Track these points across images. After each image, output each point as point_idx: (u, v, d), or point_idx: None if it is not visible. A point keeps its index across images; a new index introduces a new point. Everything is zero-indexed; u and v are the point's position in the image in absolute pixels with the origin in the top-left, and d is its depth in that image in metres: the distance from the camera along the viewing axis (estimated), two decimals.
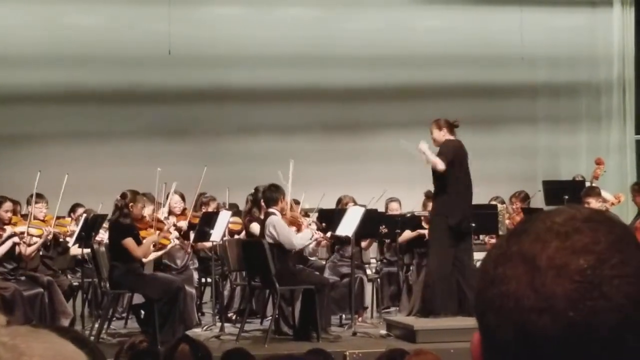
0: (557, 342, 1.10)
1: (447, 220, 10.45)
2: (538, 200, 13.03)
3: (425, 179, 11.17)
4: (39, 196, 11.56)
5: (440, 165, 10.34)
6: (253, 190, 11.46)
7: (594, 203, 11.04)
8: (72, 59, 15.15)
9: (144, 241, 10.64)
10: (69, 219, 12.39)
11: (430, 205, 11.95)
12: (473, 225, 10.59)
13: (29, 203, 11.66)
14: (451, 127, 10.62)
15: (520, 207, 12.81)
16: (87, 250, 11.33)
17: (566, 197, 11.93)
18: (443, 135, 10.59)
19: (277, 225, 10.46)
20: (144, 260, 10.78)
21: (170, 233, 11.41)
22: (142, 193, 11.08)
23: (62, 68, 15.15)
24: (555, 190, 12.50)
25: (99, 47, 15.23)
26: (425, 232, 11.90)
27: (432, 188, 11.08)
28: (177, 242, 11.54)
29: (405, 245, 12.48)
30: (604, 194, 11.47)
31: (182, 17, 15.45)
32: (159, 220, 11.36)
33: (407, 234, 12.32)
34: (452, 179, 10.45)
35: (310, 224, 11.60)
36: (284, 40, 15.75)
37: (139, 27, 15.52)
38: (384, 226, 12.16)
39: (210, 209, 12.24)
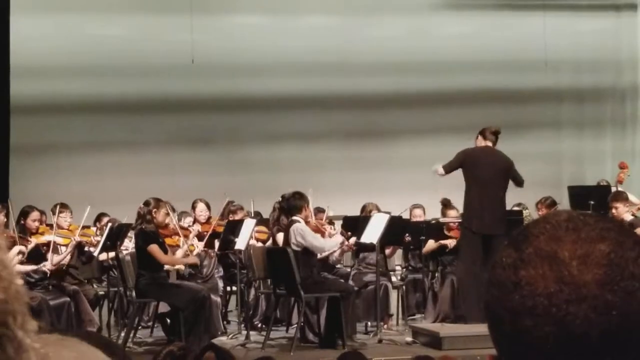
0: (598, 329, 1.12)
1: (468, 228, 10.59)
2: (564, 206, 12.96)
3: (447, 186, 11.20)
4: (63, 206, 11.61)
5: (440, 171, 10.77)
6: (280, 198, 11.45)
7: (621, 208, 10.98)
8: (95, 69, 15.21)
9: (175, 257, 10.67)
10: (94, 228, 12.43)
11: (448, 213, 12.33)
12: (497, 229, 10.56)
13: (53, 213, 11.70)
14: (486, 134, 10.80)
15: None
16: (112, 255, 11.37)
17: (592, 202, 11.87)
18: (478, 142, 10.85)
19: (304, 232, 10.45)
20: (168, 267, 10.80)
21: (194, 244, 11.40)
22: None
23: (86, 78, 15.22)
24: (580, 195, 12.44)
25: (122, 57, 15.30)
26: (448, 242, 12.03)
27: (450, 195, 11.37)
28: (201, 247, 11.55)
29: (430, 252, 12.46)
30: (631, 198, 11.40)
31: (205, 27, 15.50)
32: (183, 228, 11.37)
33: (430, 245, 12.30)
34: (466, 187, 10.71)
35: (335, 233, 11.60)
36: (306, 48, 15.77)
37: (163, 37, 15.57)
38: (408, 235, 12.20)
39: (237, 218, 12.26)
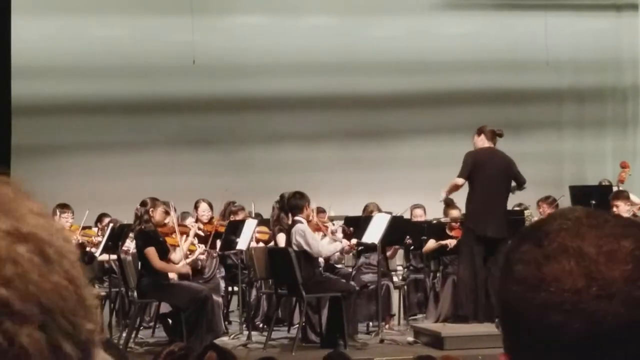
0: (627, 325, 1.12)
1: (472, 229, 10.58)
2: (565, 205, 12.97)
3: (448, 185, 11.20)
4: (65, 206, 11.62)
5: (459, 182, 10.67)
6: (278, 198, 11.45)
7: (622, 207, 10.99)
8: (96, 70, 15.22)
9: (173, 257, 10.67)
10: (95, 229, 12.44)
11: (450, 213, 12.37)
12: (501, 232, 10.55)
13: (54, 214, 11.71)
14: (486, 133, 10.77)
15: (548, 213, 12.76)
16: (114, 257, 11.38)
17: (593, 201, 11.87)
18: (479, 141, 10.78)
19: (305, 234, 10.45)
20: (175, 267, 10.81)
21: (195, 242, 11.38)
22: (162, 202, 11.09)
23: (87, 79, 15.22)
24: (582, 195, 12.44)
25: (123, 58, 15.30)
26: (448, 241, 12.04)
27: (452, 195, 11.39)
28: (202, 247, 11.53)
29: (431, 252, 12.46)
30: (632, 197, 11.41)
31: (206, 27, 15.50)
32: (182, 225, 11.35)
33: (431, 244, 12.30)
34: (470, 188, 10.68)
35: (336, 230, 11.61)
36: (307, 49, 15.77)
37: (163, 38, 15.58)
38: (409, 237, 12.22)
39: (239, 218, 12.26)
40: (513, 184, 10.87)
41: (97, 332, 0.90)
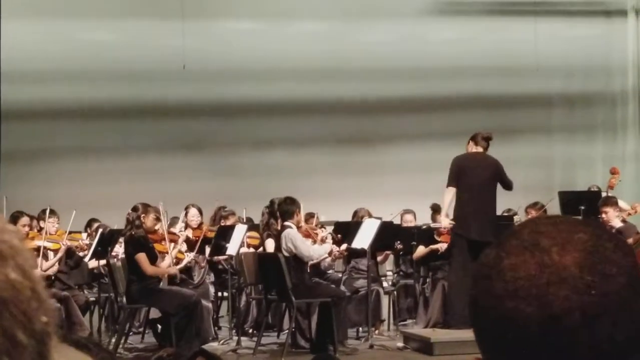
0: (579, 308, 1.16)
1: (461, 235, 10.58)
2: (554, 211, 12.97)
3: (438, 191, 11.22)
4: (51, 212, 11.61)
5: (448, 191, 10.77)
6: (269, 203, 11.46)
7: (611, 212, 11.00)
8: (87, 75, 15.20)
9: (160, 268, 10.66)
10: (84, 234, 12.42)
11: (438, 218, 12.38)
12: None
13: (40, 218, 11.69)
14: (477, 140, 10.84)
15: None
16: (102, 262, 11.36)
17: (582, 207, 11.89)
18: (469, 148, 10.86)
19: (294, 238, 10.46)
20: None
21: (182, 251, 11.37)
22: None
23: (77, 83, 15.20)
24: (571, 200, 12.46)
25: (113, 63, 15.29)
26: (438, 246, 12.06)
27: (439, 201, 11.44)
28: (191, 255, 11.53)
29: (422, 258, 12.47)
30: (620, 203, 11.42)
31: (197, 32, 15.49)
32: (171, 233, 11.36)
33: (420, 251, 12.31)
34: (459, 193, 10.70)
35: (326, 237, 11.61)
36: (298, 54, 15.77)
37: (154, 42, 15.56)
38: (399, 242, 12.23)
39: (229, 223, 12.25)
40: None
41: (51, 325, 0.94)
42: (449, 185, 10.73)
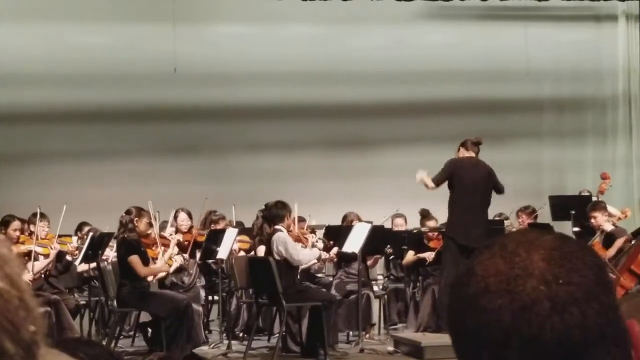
0: (547, 298, 1.19)
1: (454, 239, 10.58)
2: (545, 216, 13.02)
3: (430, 195, 11.22)
4: (41, 215, 11.59)
5: (429, 184, 10.69)
6: (263, 207, 11.46)
7: (600, 217, 11.02)
8: (77, 78, 15.18)
9: (153, 267, 10.66)
10: (75, 237, 12.41)
11: (427, 223, 12.44)
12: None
13: (30, 222, 11.67)
14: (467, 145, 10.84)
15: (527, 222, 12.81)
16: (93, 265, 11.35)
17: (572, 211, 11.92)
18: (460, 153, 10.86)
19: (285, 242, 10.46)
20: (150, 278, 10.80)
21: (172, 257, 11.36)
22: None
23: (67, 87, 15.18)
24: (561, 205, 12.49)
25: (104, 66, 15.27)
26: (426, 255, 12.09)
27: (432, 205, 11.40)
28: (181, 260, 11.53)
29: (410, 264, 12.48)
30: (610, 208, 11.44)
31: (188, 36, 15.48)
32: (162, 237, 11.35)
33: (409, 257, 12.33)
34: (452, 198, 10.69)
35: (316, 241, 11.62)
36: (290, 58, 15.78)
37: (145, 46, 15.55)
38: (389, 246, 12.24)
39: (219, 227, 12.25)
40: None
41: (39, 334, 0.94)
42: (434, 180, 10.66)
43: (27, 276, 10.74)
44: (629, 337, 1.25)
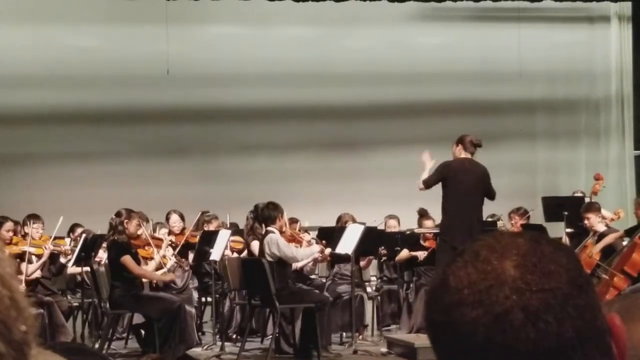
0: (520, 307, 1.18)
1: (447, 240, 10.52)
2: (538, 217, 13.02)
3: (422, 196, 11.20)
4: (35, 217, 11.57)
5: (420, 186, 10.66)
6: (253, 208, 11.46)
7: (593, 219, 11.03)
8: (69, 80, 15.16)
9: (147, 268, 10.66)
10: (68, 239, 12.39)
11: (424, 223, 12.25)
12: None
13: (24, 224, 11.65)
14: (465, 144, 10.72)
15: (520, 223, 12.82)
16: (86, 269, 11.33)
17: (565, 213, 11.93)
18: (457, 151, 10.73)
19: (279, 243, 10.45)
20: (143, 280, 10.79)
21: (166, 255, 11.36)
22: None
23: (60, 88, 15.16)
24: (554, 206, 12.50)
25: (97, 68, 15.25)
26: (419, 253, 12.09)
27: (423, 206, 11.34)
28: (174, 259, 11.52)
29: (405, 262, 12.48)
30: (603, 211, 11.44)
31: (180, 37, 15.47)
32: (155, 238, 11.34)
33: (404, 254, 12.33)
34: (446, 199, 10.62)
35: (310, 241, 11.61)
36: (282, 59, 15.77)
37: (137, 47, 15.53)
38: (383, 247, 12.24)
39: (212, 228, 12.24)
40: None
41: (31, 334, 0.94)
42: (425, 181, 10.63)
43: (20, 277, 10.73)
44: (610, 335, 1.23)
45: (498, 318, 1.17)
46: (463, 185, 10.56)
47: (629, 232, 10.94)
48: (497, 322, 1.17)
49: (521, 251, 1.22)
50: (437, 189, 10.79)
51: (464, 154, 10.73)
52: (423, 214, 12.71)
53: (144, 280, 10.85)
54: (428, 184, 10.64)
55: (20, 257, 10.98)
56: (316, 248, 11.28)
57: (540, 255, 1.21)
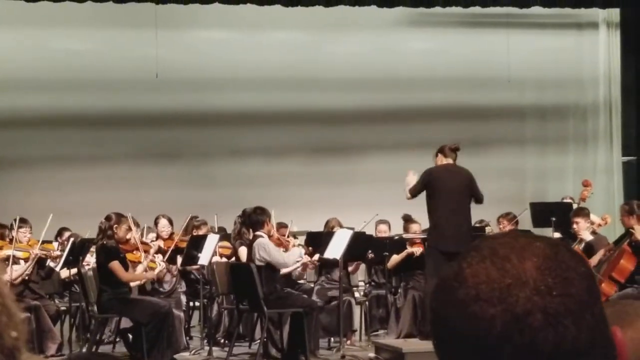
0: (541, 309, 1.19)
1: (434, 246, 10.51)
2: (526, 223, 13.03)
3: (412, 201, 11.19)
4: (23, 220, 11.53)
5: (407, 195, 10.65)
6: (241, 213, 11.45)
7: (582, 224, 11.05)
8: (59, 83, 15.14)
9: (135, 272, 10.64)
10: (55, 243, 12.35)
11: (410, 228, 12.34)
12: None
13: (12, 227, 11.60)
14: (445, 152, 10.74)
15: (508, 229, 12.82)
16: (74, 271, 11.30)
17: (554, 218, 11.95)
18: (438, 160, 10.75)
19: (267, 247, 10.44)
20: (131, 284, 10.77)
21: (155, 260, 11.34)
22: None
23: (49, 92, 15.14)
24: (542, 212, 12.52)
25: (86, 71, 15.23)
26: (414, 249, 12.06)
27: (412, 211, 11.34)
28: (163, 265, 11.51)
29: (397, 266, 12.46)
30: (592, 216, 11.46)
31: (170, 41, 15.46)
32: (144, 243, 11.32)
33: (395, 258, 12.31)
34: (431, 206, 10.60)
35: (296, 245, 11.60)
36: (271, 64, 15.77)
37: (127, 51, 15.52)
38: (371, 252, 12.22)
39: (201, 233, 12.22)
40: None
41: (21, 340, 0.94)
42: (410, 191, 10.63)
43: (6, 277, 10.68)
44: (614, 345, 1.25)
45: (518, 318, 1.18)
46: (447, 190, 10.55)
47: (617, 243, 10.95)
48: (516, 321, 1.18)
49: (541, 253, 1.23)
50: (422, 194, 10.78)
51: (445, 161, 10.74)
52: (408, 219, 12.70)
53: (132, 284, 10.82)
54: (414, 192, 10.64)
55: (7, 260, 10.94)
56: (297, 251, 11.24)
57: (560, 260, 1.22)
